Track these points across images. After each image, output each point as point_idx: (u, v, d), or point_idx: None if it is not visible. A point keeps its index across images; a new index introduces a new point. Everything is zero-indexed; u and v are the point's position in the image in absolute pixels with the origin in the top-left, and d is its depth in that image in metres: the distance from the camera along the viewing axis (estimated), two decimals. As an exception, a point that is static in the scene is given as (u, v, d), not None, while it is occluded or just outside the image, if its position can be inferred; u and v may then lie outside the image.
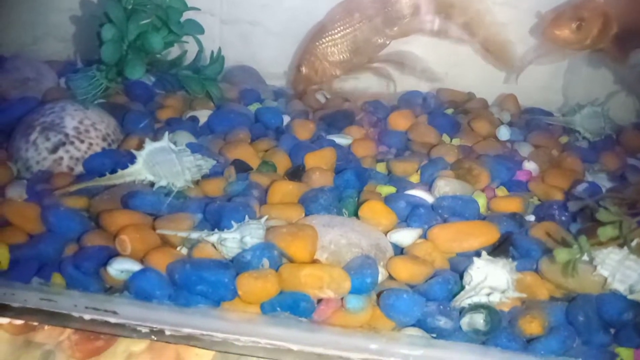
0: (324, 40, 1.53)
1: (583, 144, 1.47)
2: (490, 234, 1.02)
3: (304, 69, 1.54)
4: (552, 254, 0.93)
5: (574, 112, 1.53)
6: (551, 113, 1.65)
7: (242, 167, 1.19)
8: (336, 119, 1.49)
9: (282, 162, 1.25)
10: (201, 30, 1.41)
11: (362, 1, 1.51)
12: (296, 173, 1.22)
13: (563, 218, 1.09)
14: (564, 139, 1.49)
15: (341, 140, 1.37)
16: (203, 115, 1.40)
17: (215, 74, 1.45)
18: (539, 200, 1.19)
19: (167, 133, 1.08)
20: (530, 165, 1.29)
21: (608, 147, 1.44)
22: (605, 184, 1.26)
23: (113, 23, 1.23)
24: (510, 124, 1.55)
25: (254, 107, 1.51)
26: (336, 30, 1.53)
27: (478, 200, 1.13)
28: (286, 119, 1.47)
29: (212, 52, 1.48)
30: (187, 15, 1.39)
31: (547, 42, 1.48)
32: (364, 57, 1.57)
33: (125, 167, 1.05)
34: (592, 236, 0.91)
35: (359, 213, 1.07)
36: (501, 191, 1.19)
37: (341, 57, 1.56)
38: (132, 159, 1.05)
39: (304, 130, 1.38)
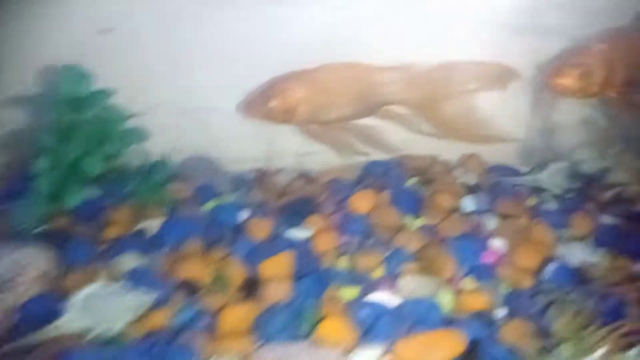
0: (314, 85, 1.47)
1: (552, 205, 1.41)
2: (457, 344, 0.95)
3: (273, 102, 1.45)
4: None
5: (539, 169, 1.48)
6: (517, 170, 1.60)
7: (191, 289, 1.12)
8: (297, 207, 1.43)
9: (237, 273, 1.18)
10: (145, 136, 1.37)
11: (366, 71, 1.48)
12: (251, 286, 1.15)
13: (534, 310, 1.02)
14: (531, 201, 1.43)
15: (302, 233, 1.32)
16: (155, 225, 1.34)
17: (164, 178, 1.40)
18: (509, 287, 1.12)
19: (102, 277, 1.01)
20: (497, 243, 1.23)
21: (578, 205, 1.38)
22: (578, 253, 1.20)
23: (46, 152, 1.17)
24: (476, 187, 1.51)
25: (210, 205, 1.45)
26: (331, 83, 1.48)
27: (444, 297, 1.06)
28: (245, 213, 1.42)
29: (162, 155, 1.44)
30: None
31: (551, 92, 1.41)
32: (340, 120, 1.53)
33: (58, 315, 0.97)
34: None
35: (317, 333, 1.00)
36: (468, 282, 1.13)
37: (321, 109, 1.50)
38: (66, 306, 0.98)
39: (260, 230, 1.32)
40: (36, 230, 1.23)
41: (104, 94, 1.24)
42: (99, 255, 1.21)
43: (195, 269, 1.17)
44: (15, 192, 1.25)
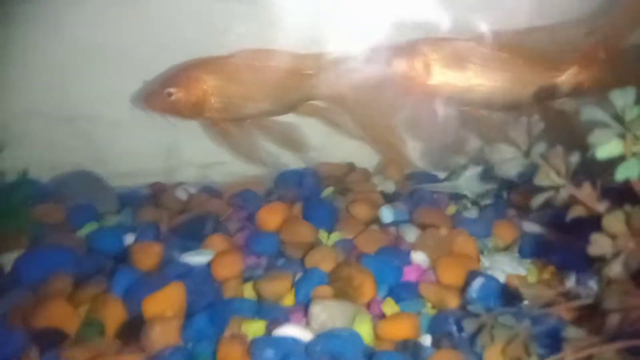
0: (227, 73, 1.29)
1: (472, 213, 1.32)
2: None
3: (175, 92, 1.26)
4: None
5: (458, 175, 1.40)
6: (436, 176, 1.51)
7: (53, 339, 0.89)
8: (194, 227, 1.24)
9: (114, 314, 0.96)
10: (-1, 149, 1.11)
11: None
12: (132, 330, 0.94)
13: (462, 334, 0.90)
14: (451, 209, 1.34)
15: (199, 258, 1.12)
16: (12, 258, 1.09)
17: (26, 199, 1.15)
18: (434, 307, 1.00)
19: None
20: (418, 257, 1.11)
21: (499, 213, 1.30)
22: (504, 266, 1.11)
23: None
24: (394, 196, 1.40)
25: (86, 230, 1.21)
26: (247, 71, 1.30)
27: (362, 327, 0.91)
28: (131, 237, 1.20)
29: (23, 171, 1.18)
30: None
31: None
32: (256, 116, 1.36)
33: None
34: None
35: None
36: (389, 306, 0.99)
37: (235, 103, 1.32)
38: None
39: (147, 257, 1.11)
40: None
41: None
42: None
43: (59, 314, 0.94)
44: None
